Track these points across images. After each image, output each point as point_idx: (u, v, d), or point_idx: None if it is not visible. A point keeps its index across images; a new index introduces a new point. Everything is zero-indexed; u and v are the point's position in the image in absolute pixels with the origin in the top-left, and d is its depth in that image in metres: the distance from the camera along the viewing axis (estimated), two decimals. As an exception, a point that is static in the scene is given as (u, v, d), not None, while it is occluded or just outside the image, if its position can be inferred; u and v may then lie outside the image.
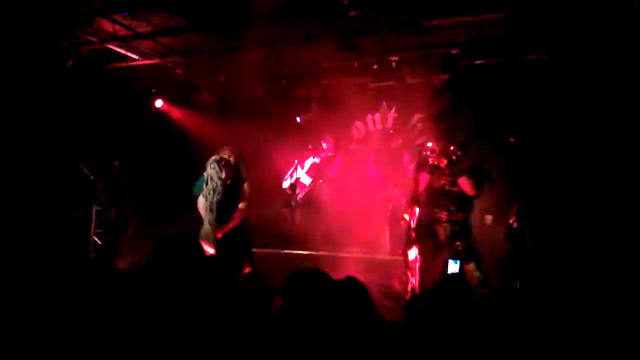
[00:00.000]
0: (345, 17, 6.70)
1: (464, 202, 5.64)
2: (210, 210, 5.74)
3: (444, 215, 5.60)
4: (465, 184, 5.55)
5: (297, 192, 8.80)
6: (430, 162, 5.73)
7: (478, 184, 5.60)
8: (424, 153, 5.79)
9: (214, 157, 5.84)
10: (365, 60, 8.64)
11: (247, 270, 5.69)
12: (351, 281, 2.65)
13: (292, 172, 8.80)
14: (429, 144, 5.86)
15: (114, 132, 8.82)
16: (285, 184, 8.79)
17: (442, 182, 5.62)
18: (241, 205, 5.90)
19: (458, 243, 5.50)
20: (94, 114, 8.54)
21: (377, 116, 9.92)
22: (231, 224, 5.78)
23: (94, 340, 2.02)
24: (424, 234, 5.38)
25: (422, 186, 5.76)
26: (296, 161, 8.84)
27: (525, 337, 2.34)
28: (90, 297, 2.23)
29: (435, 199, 5.69)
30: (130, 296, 2.20)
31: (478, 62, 8.17)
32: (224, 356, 2.11)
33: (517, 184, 7.01)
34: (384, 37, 7.66)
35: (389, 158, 9.14)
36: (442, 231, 5.59)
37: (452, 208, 5.60)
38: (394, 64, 8.59)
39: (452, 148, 5.71)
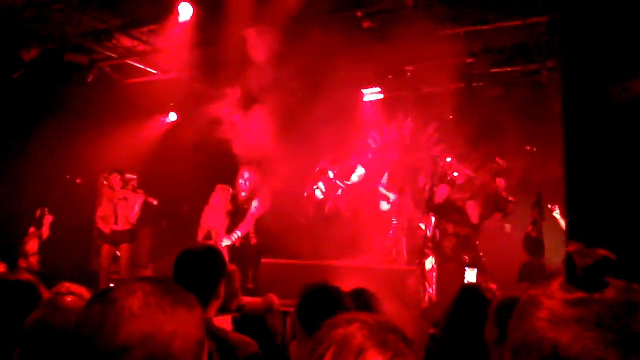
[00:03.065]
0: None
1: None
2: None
3: (450, 228, 5.62)
4: (472, 210, 5.58)
5: (319, 196, 8.92)
6: (449, 177, 5.78)
7: (484, 215, 5.65)
8: (443, 166, 5.84)
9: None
10: (380, 70, 8.67)
11: (249, 285, 5.83)
12: (361, 292, 2.65)
13: (314, 182, 8.92)
14: (448, 159, 5.91)
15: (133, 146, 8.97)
16: (317, 192, 8.93)
17: (456, 197, 5.66)
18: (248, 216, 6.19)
19: (465, 257, 5.51)
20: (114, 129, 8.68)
21: (393, 126, 9.94)
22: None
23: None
24: (433, 245, 5.42)
25: (440, 199, 5.77)
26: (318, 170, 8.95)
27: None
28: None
29: (444, 211, 5.71)
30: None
31: (494, 70, 8.17)
32: None
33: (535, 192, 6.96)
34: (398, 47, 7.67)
35: (405, 168, 9.15)
36: (448, 244, 5.61)
37: (460, 222, 5.63)
38: (409, 74, 8.61)
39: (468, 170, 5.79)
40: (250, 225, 6.56)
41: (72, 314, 1.50)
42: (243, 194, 7.30)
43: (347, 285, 2.91)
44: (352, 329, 0.95)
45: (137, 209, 7.62)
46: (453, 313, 2.67)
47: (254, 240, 6.60)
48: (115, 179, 7.59)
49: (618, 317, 0.69)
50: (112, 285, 1.04)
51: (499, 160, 6.66)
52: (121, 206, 7.53)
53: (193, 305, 1.00)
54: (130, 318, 0.90)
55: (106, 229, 7.50)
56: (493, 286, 5.30)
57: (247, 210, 6.80)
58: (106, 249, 7.49)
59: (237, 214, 6.67)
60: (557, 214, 6.38)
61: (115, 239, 7.48)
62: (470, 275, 5.03)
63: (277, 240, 7.41)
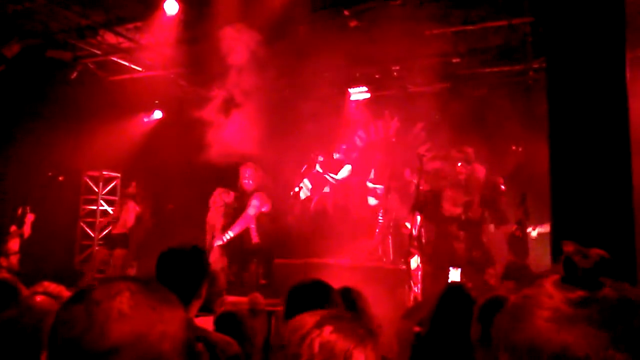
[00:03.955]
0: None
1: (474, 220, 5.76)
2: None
3: (460, 233, 5.70)
4: (473, 212, 5.67)
5: (302, 197, 8.89)
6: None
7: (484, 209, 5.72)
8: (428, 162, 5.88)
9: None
10: (367, 69, 8.67)
11: (261, 282, 5.91)
12: (347, 290, 2.64)
13: (300, 180, 8.90)
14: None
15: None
16: (301, 193, 8.91)
17: (458, 210, 5.75)
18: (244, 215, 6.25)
19: (475, 253, 5.57)
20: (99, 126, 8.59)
21: (380, 125, 9.94)
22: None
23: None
24: (419, 244, 5.44)
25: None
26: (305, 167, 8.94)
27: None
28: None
29: (449, 215, 5.78)
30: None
31: (480, 70, 8.20)
32: None
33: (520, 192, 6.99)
34: (385, 46, 7.68)
35: (391, 166, 9.15)
36: (459, 245, 5.66)
37: (466, 225, 5.71)
38: (395, 73, 8.62)
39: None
40: (246, 224, 6.61)
41: (41, 314, 1.47)
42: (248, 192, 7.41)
43: (332, 283, 2.90)
44: (327, 334, 0.93)
45: (133, 215, 7.77)
46: (438, 311, 2.67)
47: (255, 239, 6.66)
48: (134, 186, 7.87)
49: (620, 314, 0.68)
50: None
51: (465, 149, 6.71)
52: (124, 211, 7.71)
53: (176, 304, 0.98)
54: (120, 318, 0.87)
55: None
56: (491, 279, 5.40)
57: (244, 209, 6.88)
58: (100, 251, 7.73)
59: (235, 214, 6.81)
60: (535, 232, 6.43)
61: (110, 242, 7.66)
62: (454, 275, 5.05)
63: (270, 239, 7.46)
